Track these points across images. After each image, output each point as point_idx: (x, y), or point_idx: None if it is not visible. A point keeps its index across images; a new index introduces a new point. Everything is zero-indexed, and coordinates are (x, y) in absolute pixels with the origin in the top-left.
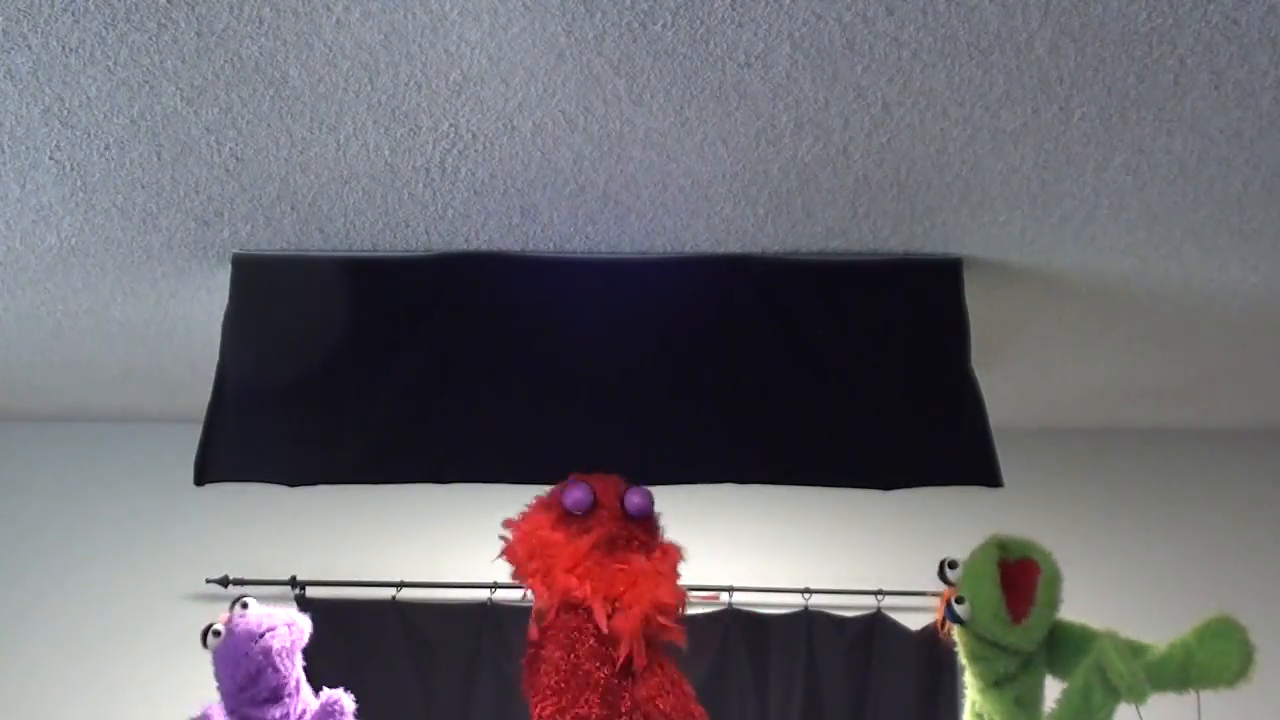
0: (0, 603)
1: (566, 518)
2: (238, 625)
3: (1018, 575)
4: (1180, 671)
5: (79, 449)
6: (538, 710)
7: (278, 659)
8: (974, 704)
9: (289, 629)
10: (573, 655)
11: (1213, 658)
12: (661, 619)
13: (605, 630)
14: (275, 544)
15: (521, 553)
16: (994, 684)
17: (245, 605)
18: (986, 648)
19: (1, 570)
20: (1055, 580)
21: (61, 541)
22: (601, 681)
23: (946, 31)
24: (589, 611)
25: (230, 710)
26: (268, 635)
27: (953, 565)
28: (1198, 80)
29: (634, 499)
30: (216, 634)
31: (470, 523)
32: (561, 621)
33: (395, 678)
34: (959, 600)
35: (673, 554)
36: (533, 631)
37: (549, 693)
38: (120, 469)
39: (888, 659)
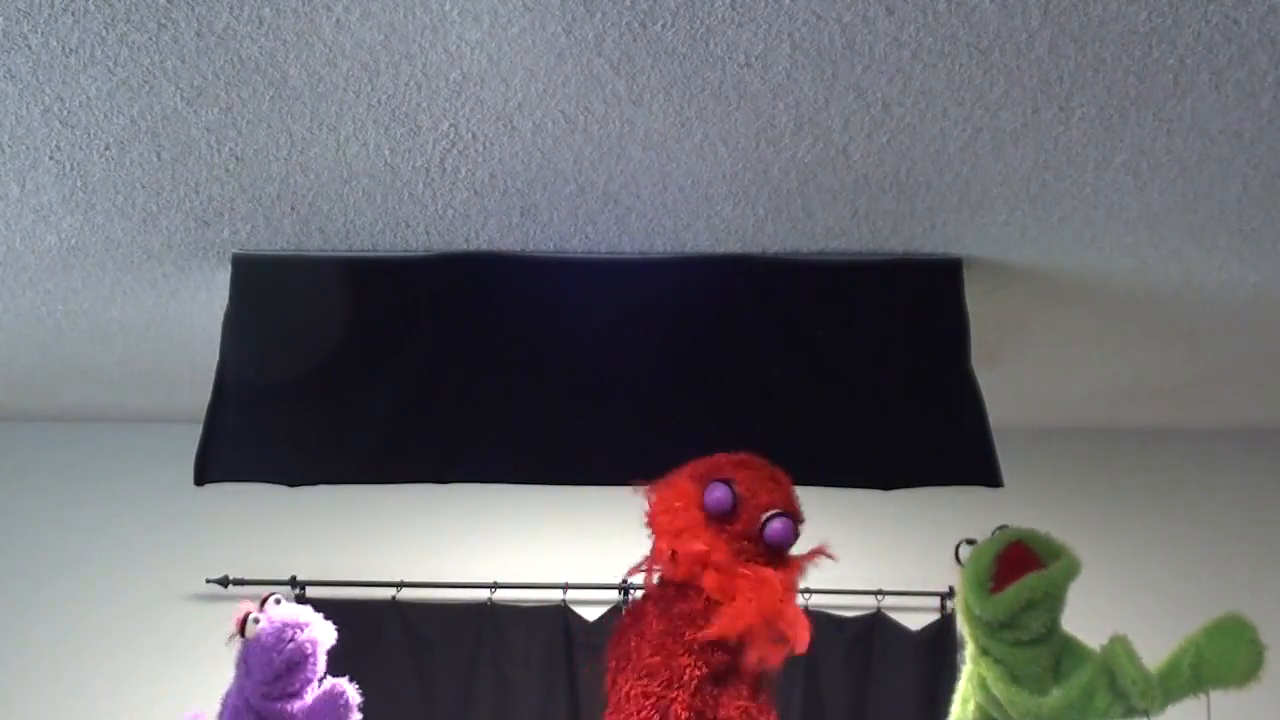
0: (0, 602)
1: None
2: (279, 614)
3: (1023, 563)
4: (1192, 672)
5: (79, 449)
6: (626, 687)
7: (317, 652)
8: (969, 673)
9: (326, 627)
10: (671, 641)
11: (1221, 657)
12: (774, 632)
13: (714, 625)
14: (275, 544)
15: (659, 508)
16: (982, 652)
17: (278, 601)
18: (966, 610)
19: (1, 570)
20: (1053, 580)
21: (61, 541)
22: (694, 682)
23: (946, 31)
24: (706, 601)
25: (252, 702)
26: (310, 627)
27: (970, 543)
28: (1198, 80)
29: (775, 527)
30: (256, 621)
31: (470, 523)
32: (675, 601)
33: (395, 678)
34: (970, 541)
35: (795, 569)
36: (649, 585)
37: (638, 674)
38: (120, 469)
39: (888, 659)
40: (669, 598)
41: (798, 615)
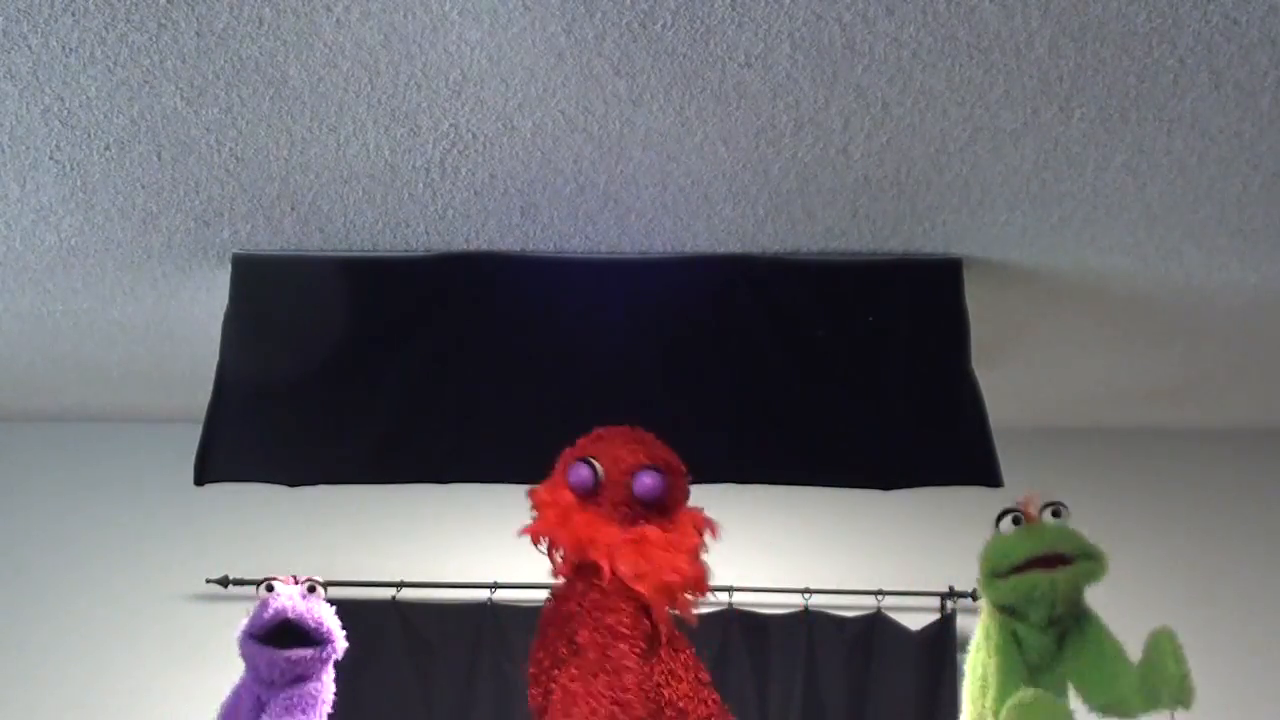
0: (0, 602)
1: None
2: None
3: (1051, 561)
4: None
5: (79, 449)
6: (573, 686)
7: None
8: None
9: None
10: (599, 635)
11: (1156, 678)
12: (676, 591)
13: (630, 593)
14: (275, 544)
15: (538, 509)
16: (988, 634)
17: (312, 589)
18: (982, 587)
19: (1, 570)
20: (1068, 581)
21: (61, 541)
22: (634, 667)
23: (946, 31)
24: (613, 583)
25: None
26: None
27: (1016, 520)
28: (1198, 80)
29: (644, 481)
30: (270, 589)
31: (470, 523)
32: (586, 591)
33: (395, 678)
34: (1016, 519)
35: (686, 526)
36: (555, 586)
37: (580, 672)
38: (120, 469)
39: (888, 659)
40: (579, 590)
41: (690, 565)
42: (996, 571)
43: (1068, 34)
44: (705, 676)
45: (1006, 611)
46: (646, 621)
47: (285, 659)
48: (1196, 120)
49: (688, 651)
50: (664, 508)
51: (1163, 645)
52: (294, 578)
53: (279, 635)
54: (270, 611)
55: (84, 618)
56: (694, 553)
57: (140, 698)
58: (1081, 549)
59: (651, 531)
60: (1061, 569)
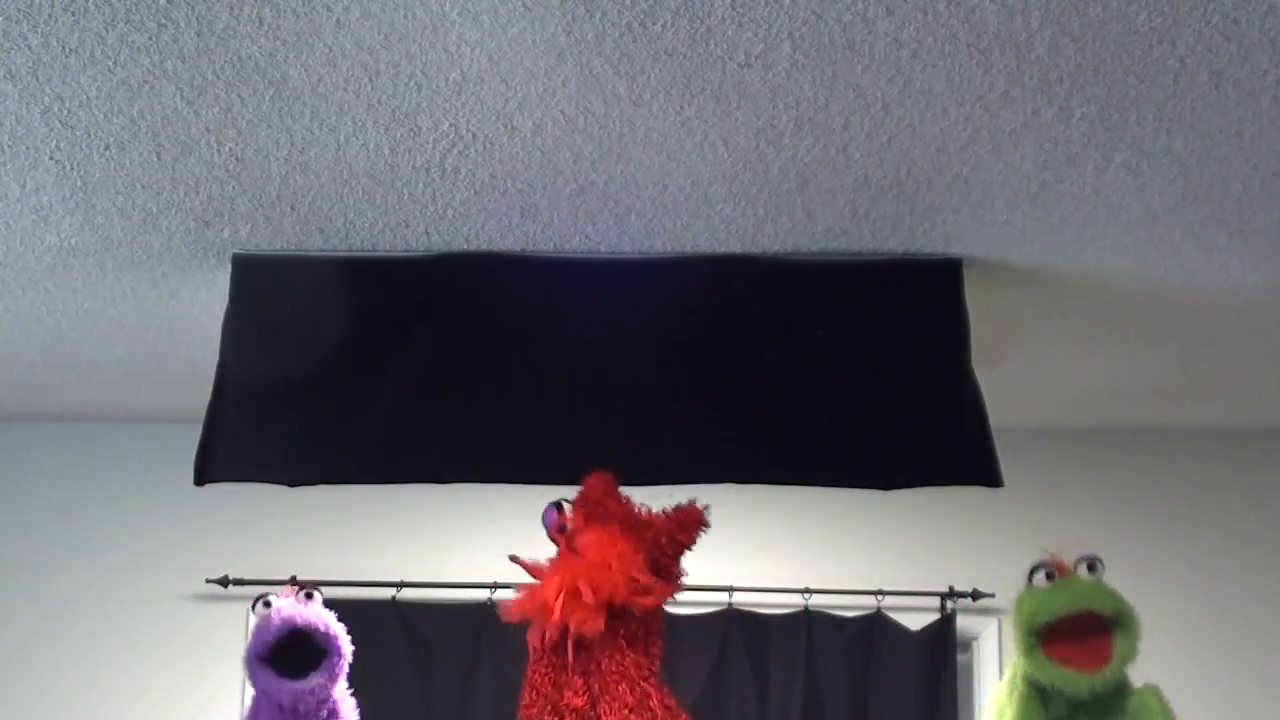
0: (0, 602)
1: None
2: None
3: (1086, 627)
4: None
5: (79, 449)
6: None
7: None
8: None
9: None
10: (536, 676)
11: None
12: (528, 610)
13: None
14: (275, 544)
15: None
16: (1014, 684)
17: (310, 595)
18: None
19: (1, 570)
20: (1107, 683)
21: (61, 541)
22: (565, 706)
23: (946, 31)
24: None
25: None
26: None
27: (1050, 577)
28: (1198, 80)
29: (543, 519)
30: (268, 605)
31: (470, 523)
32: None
33: (395, 678)
34: (1049, 575)
35: (589, 535)
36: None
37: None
38: (120, 469)
39: (888, 659)
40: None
41: (563, 588)
42: (1033, 630)
43: (1068, 34)
44: (640, 674)
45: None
46: (538, 643)
47: (309, 691)
48: (1196, 120)
49: (630, 655)
50: (589, 528)
51: (1149, 705)
52: (292, 578)
53: (288, 646)
54: (278, 621)
55: (84, 618)
56: (572, 571)
57: (140, 698)
58: (1118, 609)
59: (568, 559)
60: (1098, 671)
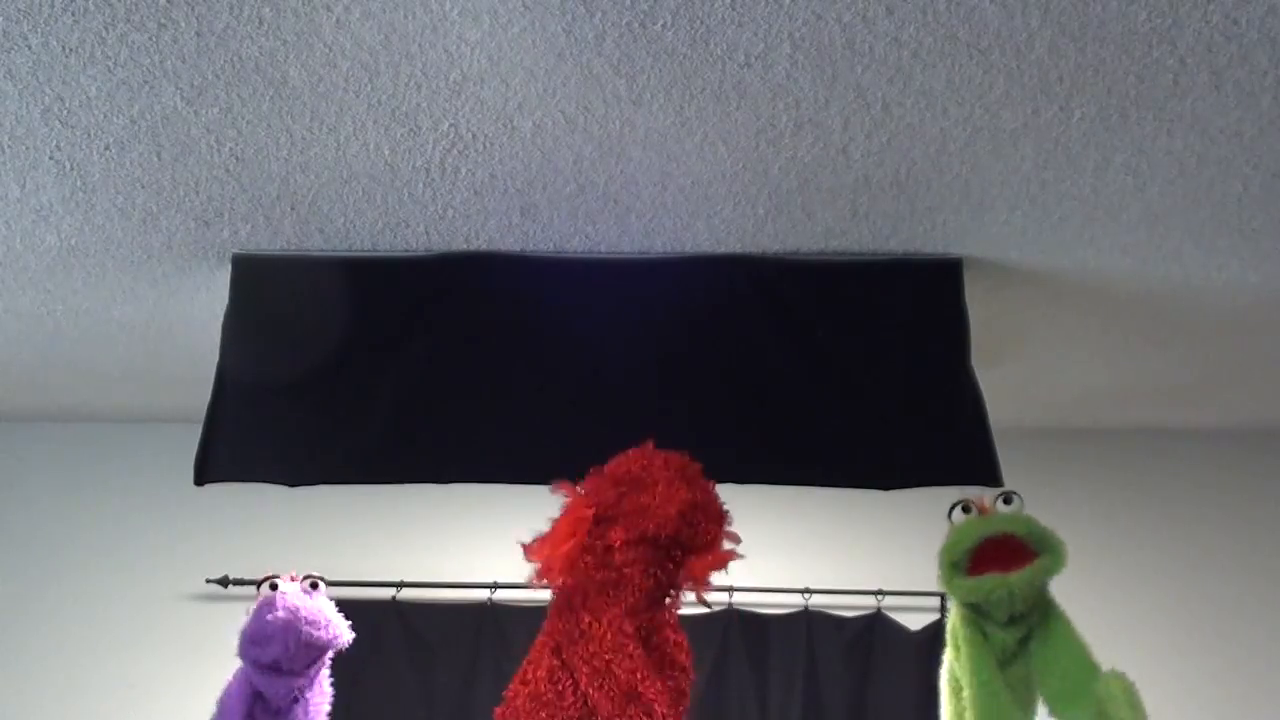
0: (0, 602)
1: None
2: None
3: (1008, 550)
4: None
5: (79, 449)
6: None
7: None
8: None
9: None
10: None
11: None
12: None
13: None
14: (275, 544)
15: None
16: (955, 634)
17: (314, 585)
18: (944, 584)
19: (1, 570)
20: (1024, 582)
21: (61, 541)
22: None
23: (946, 31)
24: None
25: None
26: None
27: (966, 510)
28: (1198, 80)
29: None
30: (274, 586)
31: (470, 523)
32: None
33: (395, 678)
34: (966, 508)
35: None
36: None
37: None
38: (120, 469)
39: (888, 659)
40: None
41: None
42: (954, 562)
43: (1068, 34)
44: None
45: (972, 609)
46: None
47: (288, 688)
48: (1196, 120)
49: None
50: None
51: (1113, 692)
52: (294, 576)
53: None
54: (280, 618)
55: (84, 618)
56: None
57: (140, 697)
58: (1034, 532)
59: None
60: (1016, 571)
